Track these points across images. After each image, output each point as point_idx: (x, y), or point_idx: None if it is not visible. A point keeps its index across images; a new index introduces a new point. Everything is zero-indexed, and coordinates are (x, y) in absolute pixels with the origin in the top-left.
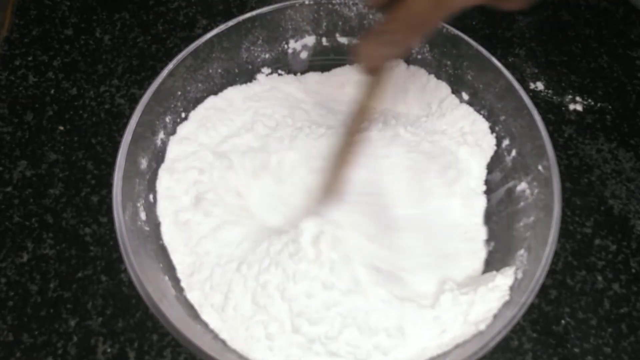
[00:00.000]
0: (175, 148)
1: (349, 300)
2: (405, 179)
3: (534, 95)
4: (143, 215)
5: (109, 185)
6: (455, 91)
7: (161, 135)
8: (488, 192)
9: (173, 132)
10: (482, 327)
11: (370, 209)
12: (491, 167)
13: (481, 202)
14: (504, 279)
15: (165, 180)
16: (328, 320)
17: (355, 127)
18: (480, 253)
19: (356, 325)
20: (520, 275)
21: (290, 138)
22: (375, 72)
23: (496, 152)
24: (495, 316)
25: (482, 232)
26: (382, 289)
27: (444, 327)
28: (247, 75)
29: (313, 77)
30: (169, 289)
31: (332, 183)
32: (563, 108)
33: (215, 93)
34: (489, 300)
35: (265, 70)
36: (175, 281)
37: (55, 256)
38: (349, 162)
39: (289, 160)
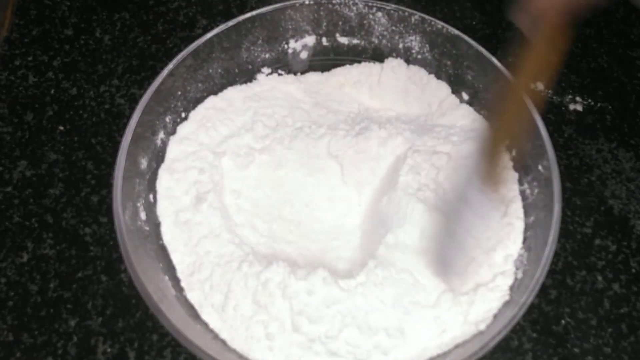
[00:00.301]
0: (175, 148)
1: (349, 299)
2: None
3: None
4: (143, 215)
5: (109, 185)
6: (455, 91)
7: (161, 135)
8: None
9: (173, 132)
10: (482, 327)
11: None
12: None
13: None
14: (504, 279)
15: (165, 180)
16: (328, 319)
17: (529, 83)
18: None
19: (356, 324)
20: (520, 275)
21: (290, 138)
22: (549, 20)
23: None
24: (495, 316)
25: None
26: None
27: (444, 327)
28: (247, 75)
29: (313, 77)
30: (169, 289)
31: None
32: (563, 108)
33: (215, 93)
34: (489, 300)
35: (265, 70)
36: (175, 281)
37: (55, 256)
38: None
39: (288, 159)
